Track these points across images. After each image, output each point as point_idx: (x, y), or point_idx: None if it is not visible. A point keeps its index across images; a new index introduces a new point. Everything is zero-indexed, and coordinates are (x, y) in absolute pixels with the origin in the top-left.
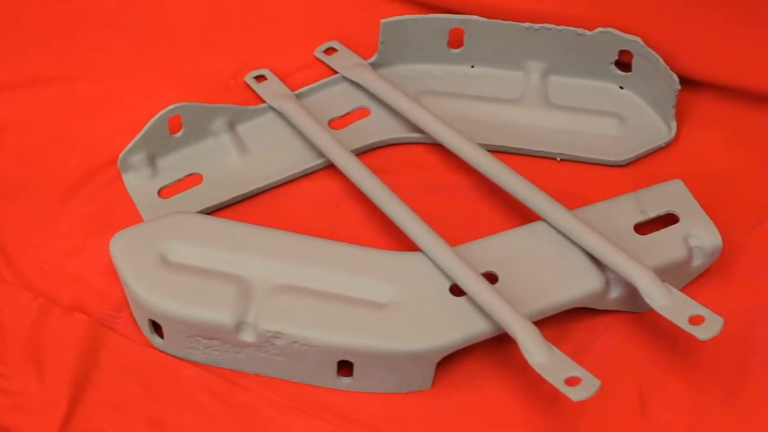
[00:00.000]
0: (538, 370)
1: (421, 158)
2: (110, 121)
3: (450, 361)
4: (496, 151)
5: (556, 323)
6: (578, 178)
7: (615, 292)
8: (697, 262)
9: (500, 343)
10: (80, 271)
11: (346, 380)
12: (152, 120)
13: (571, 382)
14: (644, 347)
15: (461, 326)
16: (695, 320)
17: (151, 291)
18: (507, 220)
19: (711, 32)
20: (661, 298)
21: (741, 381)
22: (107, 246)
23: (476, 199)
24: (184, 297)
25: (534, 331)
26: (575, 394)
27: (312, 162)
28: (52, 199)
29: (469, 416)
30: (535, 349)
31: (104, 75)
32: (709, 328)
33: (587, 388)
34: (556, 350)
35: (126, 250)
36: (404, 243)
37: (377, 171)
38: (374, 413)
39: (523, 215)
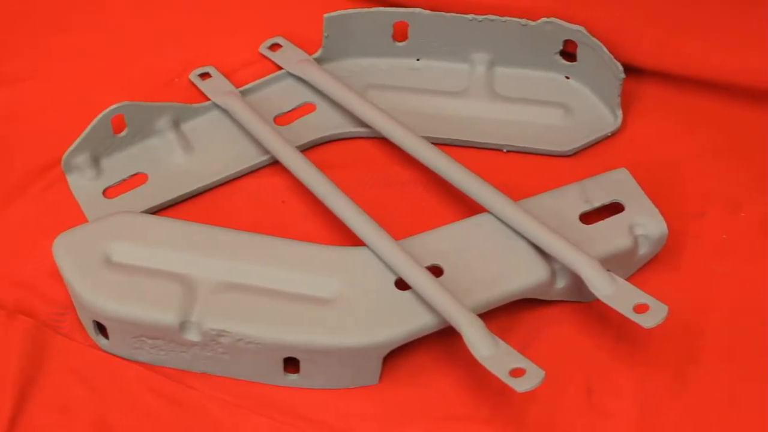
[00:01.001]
0: (483, 363)
1: (366, 153)
2: (53, 122)
3: (397, 354)
4: (442, 143)
5: (504, 315)
6: (525, 169)
7: (561, 283)
8: (643, 250)
9: (448, 336)
10: (24, 273)
11: (293, 377)
12: (95, 120)
13: (516, 373)
14: (591, 337)
15: (407, 320)
16: (640, 308)
17: (94, 292)
18: (453, 213)
19: (654, 20)
20: (605, 287)
21: (689, 368)
22: (51, 248)
23: (422, 193)
24: (127, 297)
25: (478, 324)
26: (519, 385)
27: (257, 159)
28: None
29: (417, 409)
30: (479, 341)
31: (47, 75)
32: (654, 316)
33: (532, 378)
34: (501, 342)
35: (69, 252)
36: (350, 238)
37: (323, 166)
38: (322, 409)
39: (470, 208)
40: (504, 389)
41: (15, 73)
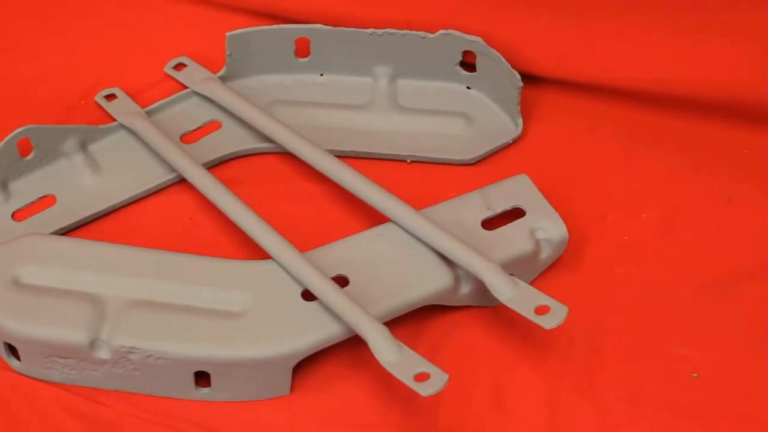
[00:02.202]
0: (388, 368)
1: (272, 168)
2: None
3: (307, 364)
4: (348, 156)
5: (411, 322)
6: (428, 179)
7: (465, 288)
8: (545, 254)
9: (357, 344)
10: None
11: (204, 391)
12: (0, 144)
13: (420, 377)
14: (498, 340)
15: (314, 330)
16: (541, 310)
17: (3, 313)
18: (359, 224)
19: (551, 28)
20: (507, 290)
21: (595, 369)
22: None
23: (328, 206)
24: (37, 318)
25: (382, 331)
26: (424, 389)
27: (164, 177)
28: None
29: (329, 418)
30: (384, 348)
31: None
32: (555, 317)
33: (436, 382)
34: (406, 348)
35: None
36: (258, 253)
37: (231, 182)
38: (235, 421)
39: (375, 219)
40: (413, 395)
41: None
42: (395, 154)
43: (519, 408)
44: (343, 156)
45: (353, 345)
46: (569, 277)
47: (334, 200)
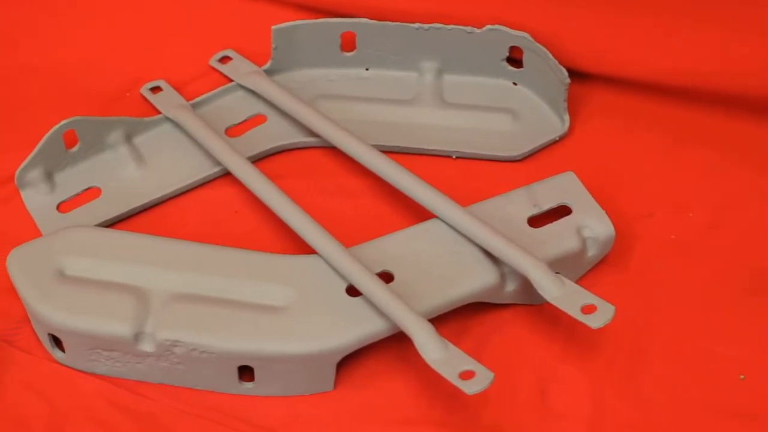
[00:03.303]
0: (433, 366)
1: (317, 162)
2: (6, 138)
3: (351, 360)
4: (392, 151)
5: (456, 319)
6: (474, 175)
7: (511, 286)
8: (591, 252)
9: (401, 340)
10: None
11: (248, 385)
12: (46, 135)
13: (466, 375)
14: (542, 338)
15: (358, 326)
16: (587, 309)
17: (49, 305)
18: (403, 220)
19: (598, 24)
20: (553, 289)
21: (639, 368)
22: (5, 263)
23: (372, 201)
24: (82, 310)
25: (428, 328)
26: (469, 387)
27: (209, 170)
28: None
29: (371, 415)
30: (429, 345)
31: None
32: (601, 316)
33: (481, 380)
34: (451, 345)
35: (23, 266)
36: (302, 247)
37: (275, 176)
38: (277, 417)
39: (419, 214)
40: (457, 392)
41: None
42: (440, 150)
43: (562, 406)
44: (387, 151)
45: (396, 341)
46: (615, 276)
47: (378, 195)
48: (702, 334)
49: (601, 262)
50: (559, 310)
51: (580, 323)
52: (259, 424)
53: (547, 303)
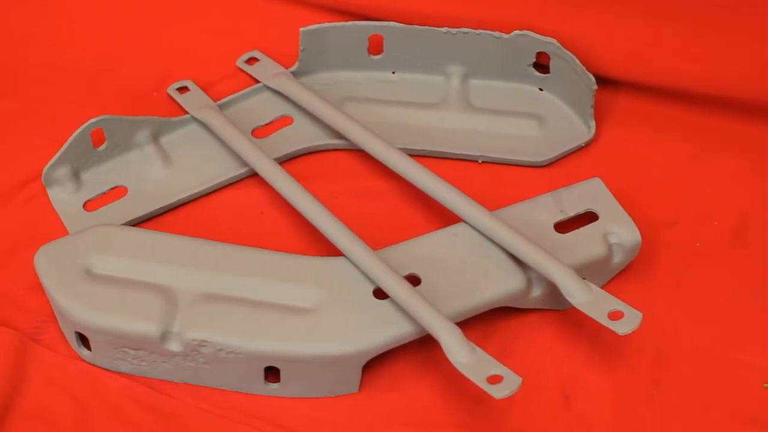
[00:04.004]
0: (461, 370)
1: (343, 164)
2: (33, 136)
3: (376, 363)
4: (418, 155)
5: (481, 323)
6: (500, 180)
7: (537, 291)
8: (617, 258)
9: (426, 344)
10: (5, 286)
11: (273, 386)
12: (75, 134)
13: (493, 380)
14: (567, 344)
15: (385, 329)
16: (614, 315)
17: (76, 303)
18: (429, 223)
19: (626, 31)
20: (580, 295)
21: (663, 375)
22: (33, 260)
23: (399, 204)
24: (109, 308)
25: (456, 332)
26: (497, 392)
27: (235, 171)
28: None
29: (396, 418)
30: (457, 349)
31: (26, 91)
32: (628, 322)
33: (509, 385)
34: (478, 349)
35: (51, 264)
36: (328, 248)
37: (301, 178)
38: (303, 418)
39: (446, 218)
40: (482, 396)
41: None
42: (466, 154)
43: (587, 412)
44: (413, 154)
45: (422, 345)
46: (639, 283)
47: (404, 198)
48: (725, 342)
49: (626, 269)
50: (583, 315)
51: (605, 329)
52: (283, 425)
53: (571, 308)
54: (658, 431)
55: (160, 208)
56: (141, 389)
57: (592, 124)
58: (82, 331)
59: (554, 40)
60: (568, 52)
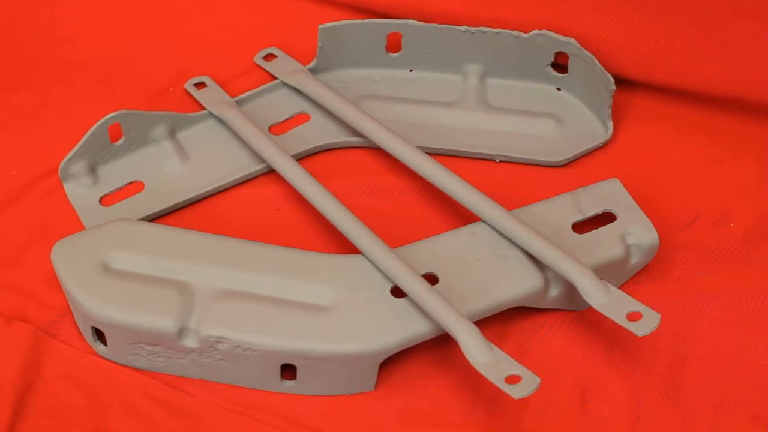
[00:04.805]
0: (479, 369)
1: (361, 162)
2: (50, 130)
3: (393, 362)
4: (435, 153)
5: (498, 323)
6: (517, 179)
7: (554, 291)
8: (635, 259)
9: (442, 343)
10: (21, 280)
11: (289, 384)
12: (92, 128)
13: (512, 380)
14: (584, 344)
15: (403, 327)
16: (633, 317)
17: (93, 298)
18: (447, 221)
19: (644, 32)
20: (599, 295)
21: (679, 377)
22: (49, 255)
23: (416, 202)
24: (126, 304)
25: (474, 331)
26: (516, 392)
27: (252, 168)
28: None
29: (412, 417)
30: (475, 348)
31: (43, 85)
32: (647, 324)
33: (527, 385)
34: (497, 349)
35: (68, 259)
36: (345, 246)
37: (318, 175)
38: (318, 416)
39: (463, 217)
40: (497, 396)
41: (10, 83)
42: (484, 153)
43: (603, 413)
44: (429, 153)
45: (438, 344)
46: (657, 283)
47: (420, 197)
48: (743, 344)
49: (642, 270)
50: (600, 316)
51: (621, 330)
52: (299, 423)
53: (588, 309)
54: None
55: (177, 204)
56: (156, 385)
57: (610, 124)
58: (98, 327)
59: (573, 40)
60: (587, 52)
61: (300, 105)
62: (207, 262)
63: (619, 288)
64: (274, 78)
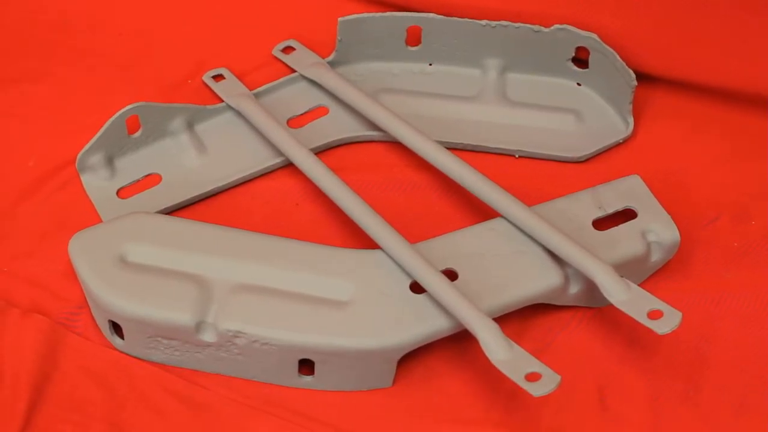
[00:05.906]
0: (499, 366)
1: (379, 156)
2: (67, 122)
3: (411, 358)
4: (454, 148)
5: (517, 319)
6: (536, 175)
7: (574, 288)
8: (656, 257)
9: (461, 339)
10: (38, 272)
11: (307, 379)
12: (110, 120)
13: (532, 377)
14: (604, 342)
15: (422, 323)
16: (654, 315)
17: (110, 291)
18: (466, 217)
19: (666, 27)
20: (619, 293)
21: (700, 374)
22: (66, 247)
23: (435, 197)
24: (143, 297)
25: (494, 328)
26: (536, 390)
27: (270, 161)
28: (9, 200)
29: (430, 413)
30: (495, 345)
31: (60, 76)
32: (668, 322)
33: (548, 383)
34: (516, 346)
35: (85, 251)
36: (364, 241)
37: (336, 169)
38: (336, 412)
39: (483, 212)
40: (516, 393)
41: (28, 74)
42: (503, 148)
43: (622, 411)
44: (448, 148)
45: (456, 340)
46: (677, 281)
47: (440, 191)
48: (763, 343)
49: (663, 267)
50: (620, 313)
51: (641, 327)
52: (315, 418)
53: (608, 306)
54: (695, 431)
55: (194, 197)
56: (173, 379)
57: (631, 120)
58: (115, 320)
59: (594, 35)
60: (608, 47)
61: (318, 98)
62: (225, 255)
63: (639, 285)
64: (293, 71)
